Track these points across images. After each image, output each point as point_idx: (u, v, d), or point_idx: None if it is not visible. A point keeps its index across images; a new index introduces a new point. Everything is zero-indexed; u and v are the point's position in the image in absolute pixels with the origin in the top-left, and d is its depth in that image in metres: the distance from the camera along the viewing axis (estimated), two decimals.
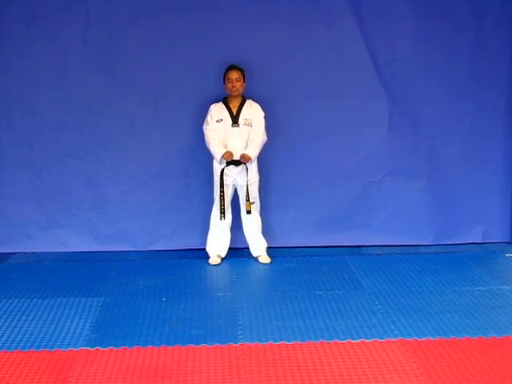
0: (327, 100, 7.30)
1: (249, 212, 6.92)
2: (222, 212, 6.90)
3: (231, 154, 6.80)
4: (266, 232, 7.19)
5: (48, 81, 7.20)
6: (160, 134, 7.29)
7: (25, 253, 7.43)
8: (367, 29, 7.20)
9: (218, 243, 7.09)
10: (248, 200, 6.88)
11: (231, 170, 6.88)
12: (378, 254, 7.29)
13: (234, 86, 6.81)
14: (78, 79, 7.18)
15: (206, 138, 6.90)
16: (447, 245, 7.55)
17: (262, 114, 6.91)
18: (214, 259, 7.05)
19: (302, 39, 7.20)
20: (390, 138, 7.40)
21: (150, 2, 7.10)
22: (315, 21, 7.17)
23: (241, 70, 6.85)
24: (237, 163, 6.86)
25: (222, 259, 7.11)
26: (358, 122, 7.37)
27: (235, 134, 6.85)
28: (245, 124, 6.86)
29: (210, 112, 6.90)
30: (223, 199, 6.87)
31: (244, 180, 6.87)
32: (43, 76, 7.18)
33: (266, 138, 6.93)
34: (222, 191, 6.86)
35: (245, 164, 6.84)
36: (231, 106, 6.89)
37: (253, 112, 6.89)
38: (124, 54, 7.16)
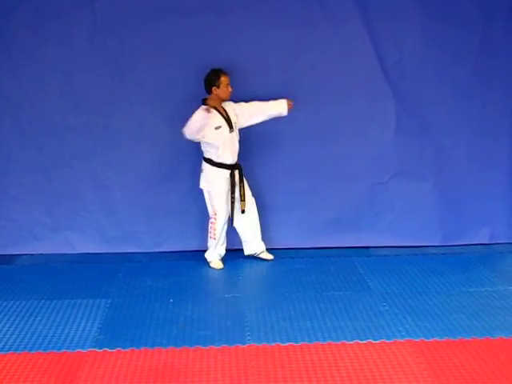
0: (334, 101, 7.30)
1: (243, 211, 6.95)
2: (232, 217, 6.93)
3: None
4: (273, 233, 7.21)
5: (56, 84, 7.22)
6: (167, 136, 7.29)
7: (32, 254, 7.45)
8: (374, 30, 7.20)
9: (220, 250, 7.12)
10: (243, 200, 6.91)
11: (228, 175, 6.87)
12: (386, 255, 7.28)
13: (231, 91, 6.78)
14: (85, 82, 7.21)
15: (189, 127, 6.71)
16: (454, 246, 7.53)
17: (236, 104, 6.92)
18: (218, 263, 7.06)
19: (309, 41, 7.20)
20: (398, 139, 7.39)
21: (156, 5, 7.11)
22: (322, 22, 7.18)
23: None
24: (233, 167, 6.85)
25: (227, 260, 7.13)
26: (365, 123, 7.37)
27: (233, 139, 6.84)
28: (235, 128, 6.86)
29: (204, 116, 6.68)
30: (233, 205, 6.89)
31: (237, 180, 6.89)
32: (51, 79, 7.21)
33: None
34: (233, 197, 6.86)
35: (239, 167, 6.87)
36: (220, 110, 6.81)
37: (233, 114, 6.87)
38: (131, 56, 7.18)
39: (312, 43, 7.21)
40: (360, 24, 7.19)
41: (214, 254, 7.03)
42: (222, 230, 6.96)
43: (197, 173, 7.18)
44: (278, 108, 6.88)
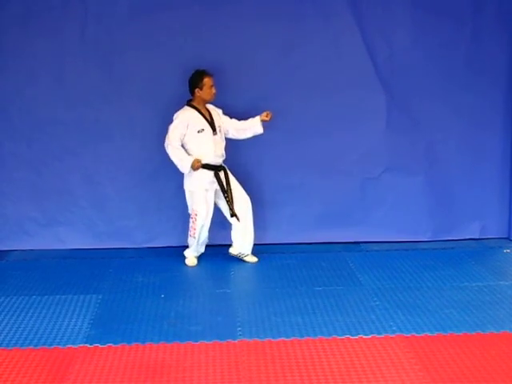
0: (325, 96, 7.30)
1: (234, 215, 6.91)
2: (235, 214, 6.88)
3: (199, 161, 6.68)
4: (264, 228, 7.20)
5: (46, 78, 7.20)
6: (158, 131, 7.26)
7: (23, 250, 7.43)
8: (365, 24, 7.20)
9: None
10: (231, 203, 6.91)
11: (209, 175, 6.83)
12: (377, 250, 7.30)
13: (215, 93, 6.74)
14: (76, 76, 7.18)
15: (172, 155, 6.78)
16: (445, 241, 7.56)
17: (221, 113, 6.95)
18: (192, 261, 7.05)
19: (300, 35, 7.19)
20: (389, 133, 7.40)
21: None
22: (313, 16, 7.17)
23: None
24: (219, 168, 6.83)
25: (218, 256, 7.14)
26: (356, 117, 7.37)
27: (217, 142, 6.79)
28: (219, 131, 6.82)
29: (180, 124, 6.71)
30: (231, 202, 6.85)
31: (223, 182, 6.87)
32: (41, 73, 7.18)
33: None
34: (227, 196, 6.82)
35: (224, 168, 6.87)
36: (204, 113, 6.78)
37: (218, 117, 6.86)
38: (122, 50, 7.16)
39: (302, 38, 7.20)
40: (351, 18, 7.18)
41: (192, 252, 7.04)
42: (202, 230, 6.91)
43: None
44: (254, 128, 6.86)
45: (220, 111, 6.92)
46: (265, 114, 6.80)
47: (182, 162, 6.71)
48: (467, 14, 7.25)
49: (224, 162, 6.92)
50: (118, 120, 7.28)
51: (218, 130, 6.79)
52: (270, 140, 7.13)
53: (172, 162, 6.78)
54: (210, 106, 6.87)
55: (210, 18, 7.11)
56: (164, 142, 6.77)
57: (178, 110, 6.87)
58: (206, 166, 6.76)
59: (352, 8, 7.17)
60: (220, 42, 7.10)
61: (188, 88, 6.76)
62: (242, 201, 6.95)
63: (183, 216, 7.25)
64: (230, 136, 6.98)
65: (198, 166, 6.66)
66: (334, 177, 7.46)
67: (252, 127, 6.87)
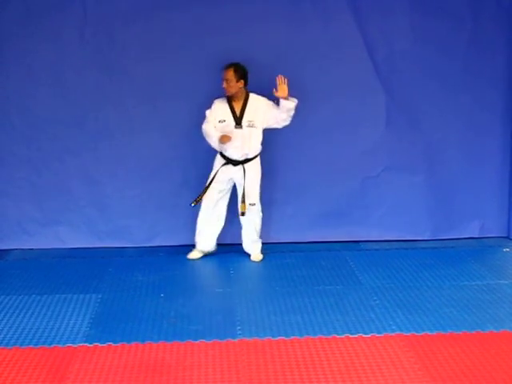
0: (325, 96, 7.29)
1: (242, 214, 6.88)
2: (198, 200, 6.87)
3: (228, 137, 6.67)
4: (264, 227, 7.18)
5: (46, 78, 7.19)
6: (158, 131, 7.28)
7: (23, 249, 7.43)
8: (365, 24, 7.20)
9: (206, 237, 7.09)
10: (243, 202, 6.86)
11: (229, 169, 6.85)
12: (376, 249, 7.30)
13: (224, 87, 6.70)
14: (75, 76, 7.18)
15: (204, 134, 6.84)
16: (445, 240, 7.56)
17: (269, 102, 6.81)
18: (192, 254, 7.08)
19: (300, 36, 7.19)
20: (388, 133, 7.40)
21: None
22: (312, 17, 7.17)
23: (234, 70, 6.67)
24: (235, 163, 6.82)
25: (219, 255, 7.14)
26: (356, 117, 7.37)
27: (238, 135, 6.74)
28: (248, 126, 6.77)
29: (212, 109, 6.81)
30: (206, 190, 6.83)
31: (241, 180, 6.85)
32: (41, 73, 7.18)
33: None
34: (210, 184, 6.83)
35: (243, 164, 6.82)
36: (234, 105, 6.78)
37: (257, 111, 6.78)
38: (122, 50, 7.15)
39: (302, 38, 7.20)
40: (351, 19, 7.18)
41: (197, 249, 7.09)
42: (203, 224, 6.97)
43: (188, 167, 7.20)
44: (286, 106, 6.72)
45: (266, 103, 6.83)
46: (278, 92, 6.68)
47: (211, 137, 6.76)
48: (466, 15, 7.25)
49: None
50: (118, 120, 7.27)
51: (245, 124, 6.75)
52: (269, 140, 7.12)
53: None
54: (254, 97, 6.82)
55: (209, 19, 7.10)
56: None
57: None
58: (226, 158, 6.81)
59: (352, 9, 7.16)
60: (220, 44, 7.07)
61: None
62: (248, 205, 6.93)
63: (183, 215, 7.27)
64: (282, 124, 6.88)
65: (226, 138, 6.66)
66: (333, 176, 7.46)
67: (284, 107, 6.73)
